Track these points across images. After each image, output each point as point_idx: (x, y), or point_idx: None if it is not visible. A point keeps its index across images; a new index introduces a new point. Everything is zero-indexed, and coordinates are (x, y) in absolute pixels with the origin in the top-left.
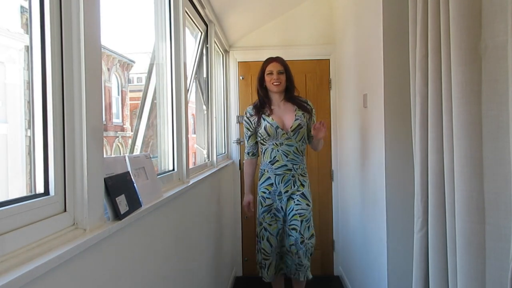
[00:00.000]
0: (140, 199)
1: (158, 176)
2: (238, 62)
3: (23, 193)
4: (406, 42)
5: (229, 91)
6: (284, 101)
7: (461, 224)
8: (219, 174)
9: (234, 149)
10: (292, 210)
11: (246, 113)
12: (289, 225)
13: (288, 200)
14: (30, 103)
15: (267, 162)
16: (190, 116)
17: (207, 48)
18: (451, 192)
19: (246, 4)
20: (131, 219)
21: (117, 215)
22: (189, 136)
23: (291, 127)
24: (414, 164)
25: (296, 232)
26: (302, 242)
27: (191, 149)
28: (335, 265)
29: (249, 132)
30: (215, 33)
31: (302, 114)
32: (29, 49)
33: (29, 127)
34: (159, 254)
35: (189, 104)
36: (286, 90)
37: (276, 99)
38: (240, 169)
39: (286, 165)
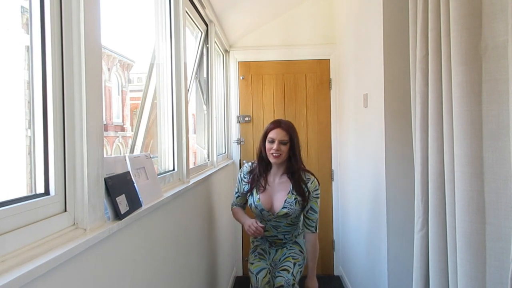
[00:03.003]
0: (141, 199)
1: (158, 176)
2: (239, 62)
3: (23, 193)
4: (406, 42)
5: (229, 91)
6: (282, 175)
7: (461, 224)
8: (219, 174)
9: (234, 149)
10: (285, 254)
11: (241, 172)
12: (280, 267)
13: (277, 250)
14: (30, 103)
15: None
16: (190, 116)
17: (207, 48)
18: (451, 192)
19: (246, 4)
20: (132, 219)
21: (118, 215)
22: (189, 136)
23: (278, 213)
24: (414, 164)
25: (288, 273)
26: (293, 285)
27: (192, 148)
28: (335, 265)
29: (238, 192)
30: (216, 33)
31: (295, 199)
32: (29, 49)
33: (29, 127)
34: (159, 253)
35: (189, 104)
36: (289, 162)
37: (274, 170)
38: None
39: (276, 236)
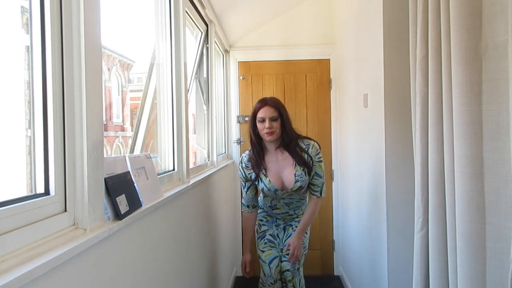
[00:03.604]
0: (141, 199)
1: (158, 176)
2: (239, 62)
3: (24, 193)
4: (406, 42)
5: (229, 91)
6: (281, 149)
7: (461, 224)
8: (219, 174)
9: (234, 149)
10: (290, 236)
11: (241, 162)
12: (286, 251)
13: (284, 228)
14: (30, 103)
15: (268, 205)
16: (190, 116)
17: (207, 48)
18: (451, 192)
19: (246, 4)
20: (132, 219)
21: (118, 215)
22: (189, 136)
23: (291, 188)
24: (414, 164)
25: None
26: (298, 269)
27: (192, 148)
28: (335, 265)
29: (246, 184)
30: (216, 33)
31: (302, 170)
32: (29, 49)
33: (29, 127)
34: (159, 254)
35: (189, 104)
36: (283, 136)
37: (272, 147)
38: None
39: (287, 212)
